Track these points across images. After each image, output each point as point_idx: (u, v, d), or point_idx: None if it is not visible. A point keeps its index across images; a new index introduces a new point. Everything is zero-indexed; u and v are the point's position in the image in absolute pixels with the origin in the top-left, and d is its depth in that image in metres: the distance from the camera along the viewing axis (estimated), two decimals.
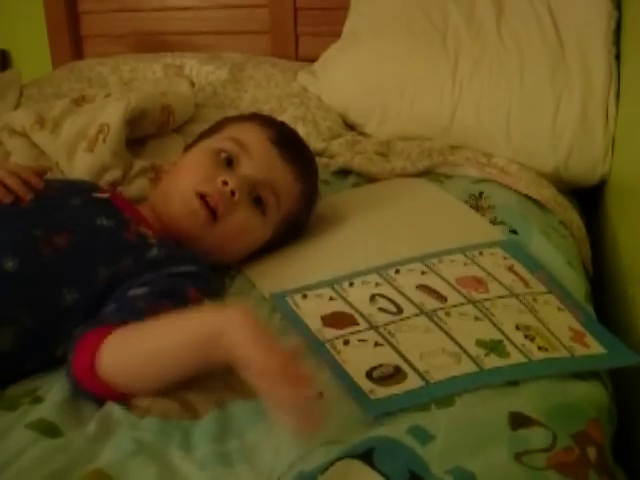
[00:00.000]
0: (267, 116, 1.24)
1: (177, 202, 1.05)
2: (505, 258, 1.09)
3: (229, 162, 1.08)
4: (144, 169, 1.33)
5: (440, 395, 0.80)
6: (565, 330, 0.93)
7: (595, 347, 0.92)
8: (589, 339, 0.93)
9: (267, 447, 0.74)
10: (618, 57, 1.48)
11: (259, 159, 1.08)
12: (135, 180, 1.31)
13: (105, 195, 1.07)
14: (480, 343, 0.88)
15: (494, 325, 0.91)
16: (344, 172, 1.44)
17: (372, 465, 0.68)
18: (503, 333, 0.90)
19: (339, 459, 0.69)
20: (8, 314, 0.87)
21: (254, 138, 1.10)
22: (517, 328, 0.91)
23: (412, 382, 0.82)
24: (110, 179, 1.30)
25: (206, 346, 0.78)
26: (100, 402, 0.83)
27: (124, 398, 0.82)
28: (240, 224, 1.05)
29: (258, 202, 1.07)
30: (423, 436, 0.72)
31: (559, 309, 0.99)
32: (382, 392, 0.80)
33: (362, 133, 1.60)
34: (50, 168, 1.28)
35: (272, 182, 1.08)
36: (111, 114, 1.34)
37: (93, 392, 0.83)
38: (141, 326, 0.84)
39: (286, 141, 1.13)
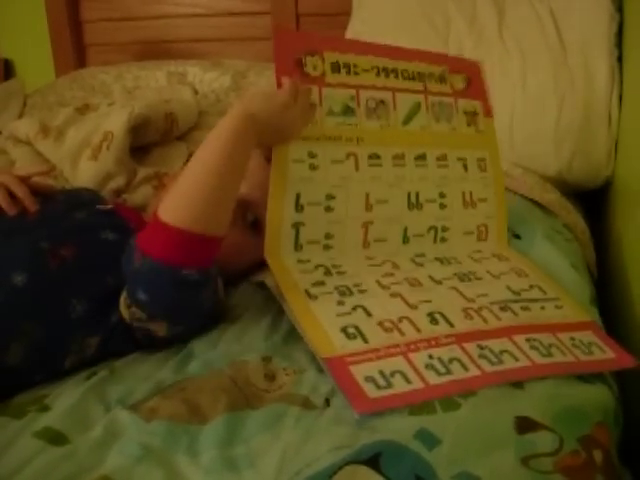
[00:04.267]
0: None
1: None
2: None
3: None
4: (148, 177, 1.33)
5: None
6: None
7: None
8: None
9: (274, 453, 0.74)
10: (620, 59, 1.48)
11: (253, 178, 1.07)
12: (139, 188, 1.32)
13: (108, 207, 1.07)
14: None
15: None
16: None
17: (379, 470, 0.68)
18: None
19: (345, 464, 0.69)
20: (18, 328, 0.87)
21: None
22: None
23: None
24: (114, 187, 1.30)
25: (239, 133, 0.90)
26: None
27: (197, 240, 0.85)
28: (233, 245, 1.03)
29: (253, 221, 1.07)
30: (429, 440, 0.72)
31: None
32: None
33: None
34: (55, 176, 1.29)
35: (267, 200, 1.08)
36: (115, 122, 1.35)
37: (165, 252, 0.84)
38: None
39: None
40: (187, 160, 1.21)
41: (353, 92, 1.06)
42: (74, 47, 2.16)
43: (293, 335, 0.94)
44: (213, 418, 0.80)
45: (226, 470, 0.73)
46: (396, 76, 1.11)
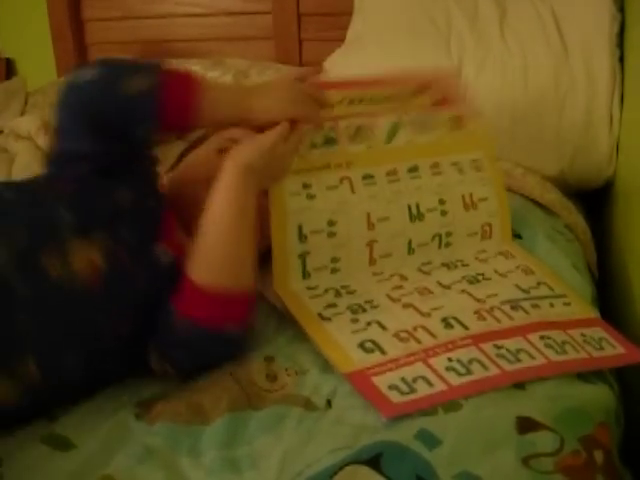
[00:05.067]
0: None
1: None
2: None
3: None
4: None
5: None
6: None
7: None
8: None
9: (275, 454, 0.74)
10: (621, 59, 1.48)
11: None
12: None
13: (169, 259, 0.93)
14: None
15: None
16: None
17: (379, 470, 0.68)
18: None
19: (346, 465, 0.69)
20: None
21: None
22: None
23: None
24: None
25: (240, 190, 0.90)
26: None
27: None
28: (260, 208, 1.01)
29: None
30: (430, 441, 0.72)
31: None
32: None
33: None
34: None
35: None
36: None
37: (204, 313, 0.87)
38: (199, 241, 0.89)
39: None
40: (180, 157, 1.19)
41: (331, 123, 1.05)
42: (76, 46, 2.16)
43: (298, 337, 0.94)
44: (214, 420, 0.80)
45: (228, 471, 0.73)
46: (368, 103, 1.09)
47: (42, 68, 2.23)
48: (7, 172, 1.35)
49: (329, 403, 0.82)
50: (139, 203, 0.93)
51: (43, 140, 1.41)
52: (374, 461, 0.69)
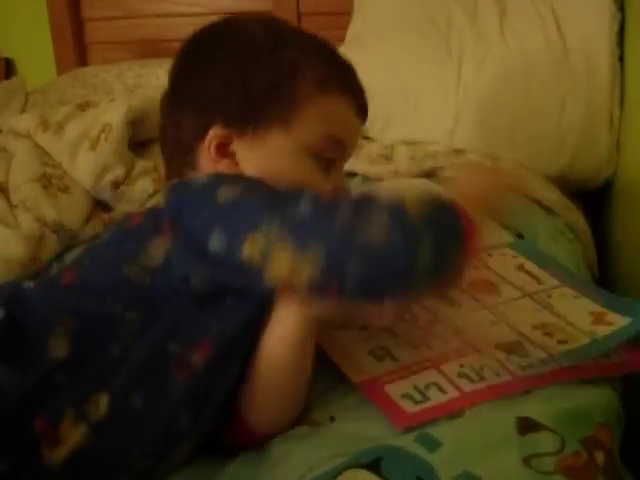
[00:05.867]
0: (363, 95, 0.98)
1: None
2: (514, 257, 1.08)
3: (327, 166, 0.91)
4: (147, 169, 1.34)
5: None
6: (585, 316, 0.93)
7: (618, 320, 0.91)
8: (611, 316, 0.93)
9: (278, 464, 0.75)
10: (621, 58, 1.48)
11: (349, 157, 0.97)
12: (138, 180, 1.32)
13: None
14: (499, 347, 0.88)
15: (511, 328, 0.91)
16: (350, 175, 1.44)
17: (379, 474, 0.68)
18: (521, 334, 0.90)
19: (345, 469, 0.69)
20: None
21: (354, 137, 0.96)
22: (534, 328, 0.91)
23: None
24: (112, 178, 1.31)
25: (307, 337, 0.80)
26: None
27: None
28: None
29: None
30: (430, 443, 0.72)
31: (575, 297, 0.99)
32: None
33: (366, 137, 1.60)
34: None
35: None
36: (113, 115, 1.36)
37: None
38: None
39: None
40: None
41: None
42: (75, 45, 2.16)
43: None
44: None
45: None
46: None
47: (42, 68, 2.23)
48: (6, 170, 1.35)
49: (332, 419, 0.82)
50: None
51: (42, 138, 1.41)
52: (374, 465, 0.69)
